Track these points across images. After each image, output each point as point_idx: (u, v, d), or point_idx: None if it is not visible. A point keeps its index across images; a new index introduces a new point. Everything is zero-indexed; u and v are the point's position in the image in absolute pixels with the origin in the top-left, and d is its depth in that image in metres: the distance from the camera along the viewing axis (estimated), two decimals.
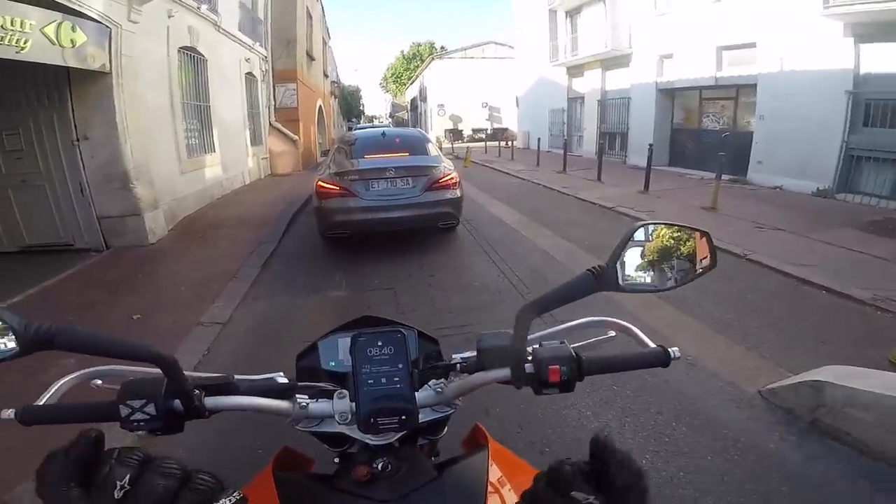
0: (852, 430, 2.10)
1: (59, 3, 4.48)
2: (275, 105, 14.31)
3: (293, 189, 9.87)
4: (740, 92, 10.19)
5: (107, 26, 5.21)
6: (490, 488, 0.66)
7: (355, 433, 0.66)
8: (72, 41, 4.66)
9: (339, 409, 0.66)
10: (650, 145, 9.03)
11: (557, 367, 0.63)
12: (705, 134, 11.39)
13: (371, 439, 0.66)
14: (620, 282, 0.64)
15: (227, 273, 4.69)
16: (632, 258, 0.66)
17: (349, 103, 46.46)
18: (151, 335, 3.33)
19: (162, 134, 6.96)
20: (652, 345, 0.70)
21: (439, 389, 0.69)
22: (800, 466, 2.03)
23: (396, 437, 0.68)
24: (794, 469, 2.01)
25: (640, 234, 0.66)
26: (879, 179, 7.27)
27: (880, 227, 5.72)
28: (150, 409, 0.57)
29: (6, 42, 3.97)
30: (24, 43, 4.14)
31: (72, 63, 4.79)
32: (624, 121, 13.95)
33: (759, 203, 7.42)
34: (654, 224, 0.68)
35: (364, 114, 61.50)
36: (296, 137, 14.41)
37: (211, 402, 0.62)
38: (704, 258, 0.71)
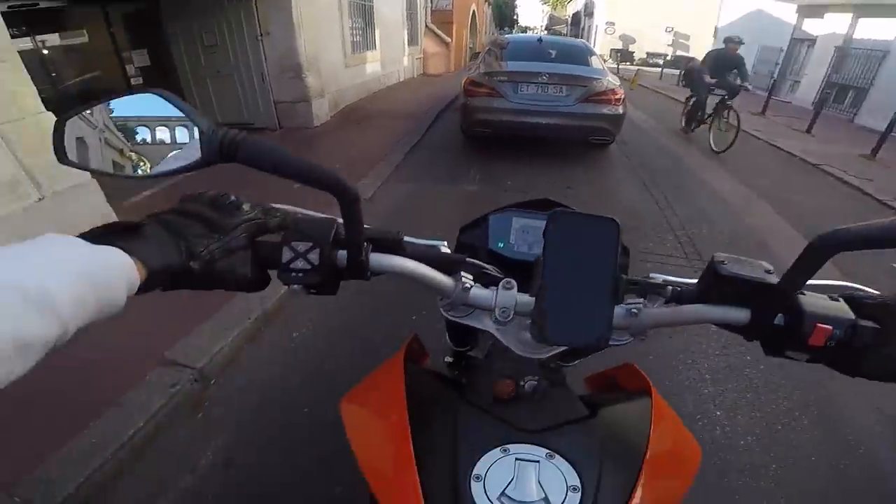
0: None
1: None
2: (431, 7, 14.51)
3: (443, 88, 10.35)
4: None
5: None
6: (648, 452, 0.51)
7: (507, 337, 0.55)
8: None
9: (502, 304, 0.53)
10: None
11: (831, 328, 0.43)
12: None
13: (523, 350, 0.55)
14: None
15: (375, 156, 5.11)
16: None
17: (503, 12, 43.85)
18: (305, 198, 3.77)
19: (330, 31, 7.52)
20: None
21: (635, 311, 0.51)
22: None
23: (549, 355, 0.56)
24: None
25: None
26: None
27: None
28: (314, 256, 0.48)
29: None
30: None
31: None
32: (868, 76, 11.16)
33: None
34: None
35: (518, 24, 57.88)
36: (448, 40, 14.72)
37: (376, 259, 0.52)
38: None
